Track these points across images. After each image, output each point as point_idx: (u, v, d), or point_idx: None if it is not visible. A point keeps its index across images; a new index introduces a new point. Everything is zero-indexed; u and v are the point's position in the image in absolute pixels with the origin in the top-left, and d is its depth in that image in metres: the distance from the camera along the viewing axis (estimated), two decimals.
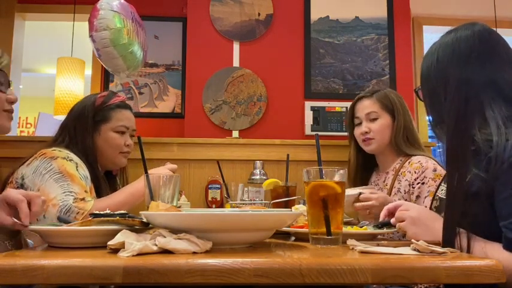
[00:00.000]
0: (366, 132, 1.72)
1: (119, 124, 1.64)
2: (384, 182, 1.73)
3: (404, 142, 1.68)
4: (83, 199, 1.38)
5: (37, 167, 1.42)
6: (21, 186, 1.44)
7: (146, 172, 1.21)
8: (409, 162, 1.64)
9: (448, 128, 1.00)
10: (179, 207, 1.18)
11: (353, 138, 1.83)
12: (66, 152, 1.49)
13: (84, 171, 1.50)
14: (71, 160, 1.47)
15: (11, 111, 1.19)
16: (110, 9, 1.92)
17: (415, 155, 1.65)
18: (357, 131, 1.77)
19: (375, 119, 1.71)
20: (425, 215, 1.03)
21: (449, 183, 0.95)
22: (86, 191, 1.43)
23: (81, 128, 1.59)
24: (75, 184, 1.41)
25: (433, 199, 1.25)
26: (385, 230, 1.13)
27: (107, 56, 1.92)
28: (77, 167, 1.47)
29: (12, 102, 1.19)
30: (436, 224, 0.99)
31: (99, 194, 1.59)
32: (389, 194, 1.65)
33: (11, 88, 1.19)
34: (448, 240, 0.91)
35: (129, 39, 1.93)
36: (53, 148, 1.50)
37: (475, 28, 1.06)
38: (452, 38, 1.07)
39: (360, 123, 1.76)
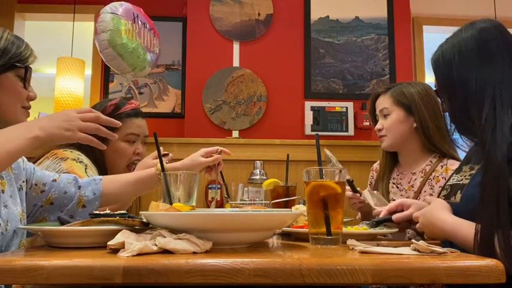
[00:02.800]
0: (379, 130, 1.66)
1: (128, 132, 1.61)
2: (409, 183, 1.62)
3: (439, 138, 1.56)
4: None
5: (47, 167, 1.41)
6: None
7: (163, 170, 1.20)
8: (442, 167, 1.54)
9: (479, 125, 0.99)
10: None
11: None
12: (77, 153, 1.48)
13: (93, 173, 1.48)
14: (80, 162, 1.45)
15: (28, 108, 1.19)
16: (109, 12, 1.96)
17: (449, 157, 1.55)
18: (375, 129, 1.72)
19: (387, 115, 1.65)
20: (428, 212, 1.05)
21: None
22: None
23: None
24: None
25: (443, 189, 1.22)
26: (385, 231, 1.13)
27: (108, 57, 1.94)
28: (86, 168, 1.45)
29: (32, 99, 1.19)
30: (440, 215, 1.01)
31: None
32: (416, 197, 1.56)
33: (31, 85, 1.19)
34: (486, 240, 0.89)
35: (127, 39, 1.94)
36: (65, 149, 1.49)
37: (494, 23, 1.06)
38: (472, 33, 1.05)
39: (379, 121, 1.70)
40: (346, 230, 1.07)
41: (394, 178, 1.71)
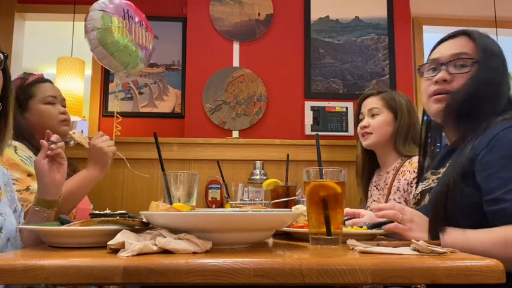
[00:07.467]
0: (365, 127, 1.74)
1: (46, 95, 1.64)
2: (385, 181, 1.74)
3: (403, 142, 1.69)
4: (27, 189, 1.33)
5: None
6: None
7: (163, 170, 1.19)
8: (409, 162, 1.66)
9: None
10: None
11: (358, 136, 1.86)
12: None
13: (25, 152, 1.46)
14: (8, 145, 1.44)
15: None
16: (98, 9, 1.93)
17: (416, 155, 1.65)
18: (358, 127, 1.80)
19: (375, 115, 1.73)
20: (419, 217, 1.06)
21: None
22: (29, 174, 1.38)
23: None
24: (15, 170, 1.37)
25: (413, 197, 1.26)
26: (384, 231, 1.13)
27: (99, 55, 1.92)
28: (15, 150, 1.42)
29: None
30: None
31: None
32: (389, 192, 1.67)
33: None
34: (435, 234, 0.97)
35: (117, 37, 1.92)
36: None
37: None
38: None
39: (363, 119, 1.79)
40: (346, 230, 1.07)
41: (375, 181, 1.82)
